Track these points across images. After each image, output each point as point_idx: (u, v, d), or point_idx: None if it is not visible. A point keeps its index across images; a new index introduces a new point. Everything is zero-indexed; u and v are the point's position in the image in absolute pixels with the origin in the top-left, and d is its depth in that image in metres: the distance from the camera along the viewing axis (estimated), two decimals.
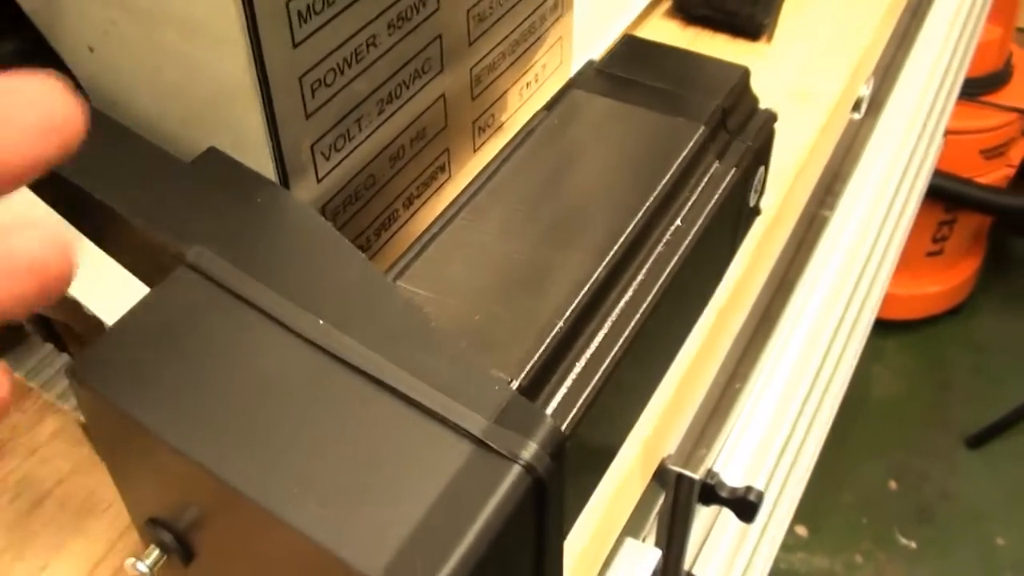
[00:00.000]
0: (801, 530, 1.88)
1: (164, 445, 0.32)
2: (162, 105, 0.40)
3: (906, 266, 2.02)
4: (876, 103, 1.01)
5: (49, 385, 0.45)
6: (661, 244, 0.42)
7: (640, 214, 0.41)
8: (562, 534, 0.37)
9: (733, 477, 0.69)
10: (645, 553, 0.62)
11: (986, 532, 1.90)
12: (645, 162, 0.44)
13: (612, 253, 0.40)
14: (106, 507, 0.51)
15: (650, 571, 0.61)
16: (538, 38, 0.51)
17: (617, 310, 0.39)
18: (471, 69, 0.47)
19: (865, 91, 0.88)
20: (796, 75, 0.74)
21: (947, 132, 1.73)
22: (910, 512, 1.93)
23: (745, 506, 0.68)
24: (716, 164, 0.46)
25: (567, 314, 0.37)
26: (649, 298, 0.40)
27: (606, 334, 0.39)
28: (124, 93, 0.41)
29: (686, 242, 0.42)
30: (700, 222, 0.43)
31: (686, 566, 0.76)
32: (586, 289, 0.38)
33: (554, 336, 0.37)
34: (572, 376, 0.37)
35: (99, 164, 0.39)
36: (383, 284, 0.36)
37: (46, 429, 0.55)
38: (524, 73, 0.52)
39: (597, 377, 0.37)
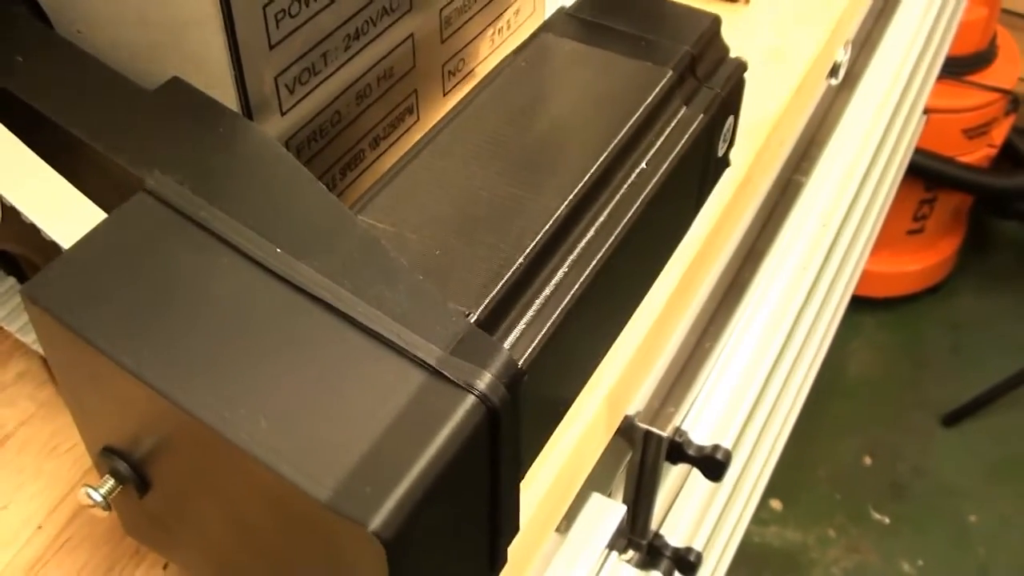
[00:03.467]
0: (775, 504, 1.89)
1: (117, 368, 0.32)
2: (126, 33, 0.40)
3: (886, 244, 2.03)
4: (854, 73, 1.01)
5: (10, 319, 0.44)
6: (625, 186, 0.42)
7: (605, 155, 0.41)
8: (518, 472, 0.37)
9: (701, 436, 0.69)
10: (610, 508, 0.62)
11: (959, 509, 1.91)
12: (612, 105, 0.44)
13: (575, 192, 0.40)
14: (68, 448, 0.51)
15: (615, 526, 0.61)
16: None
17: (578, 249, 0.39)
18: (441, 10, 0.47)
19: (843, 56, 0.88)
20: (772, 35, 0.74)
21: (930, 110, 1.73)
22: (884, 488, 1.93)
23: (712, 464, 0.69)
24: (684, 109, 0.46)
25: (527, 250, 0.37)
26: (611, 239, 0.40)
27: (566, 272, 0.38)
28: (89, 21, 0.40)
29: (651, 184, 0.42)
30: (665, 166, 0.43)
31: (653, 526, 0.77)
32: (547, 226, 0.38)
33: (514, 272, 0.37)
34: (531, 312, 0.37)
35: (60, 90, 0.38)
36: (343, 216, 0.36)
37: (11, 371, 0.54)
38: (496, 18, 0.51)
39: (556, 315, 0.37)
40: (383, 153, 0.47)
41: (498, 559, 0.38)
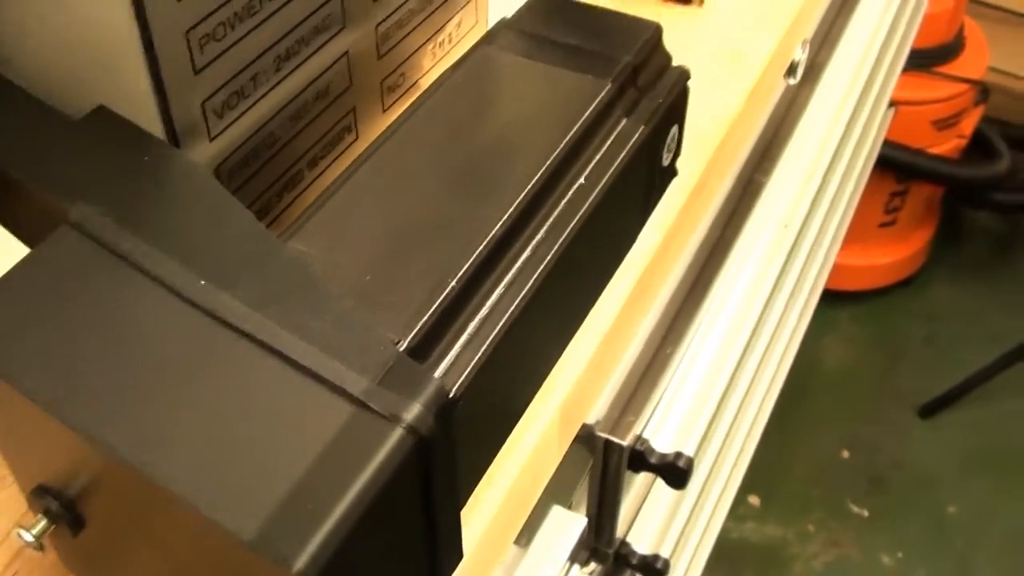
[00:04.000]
0: (753, 499, 1.89)
1: (38, 409, 0.31)
2: (51, 61, 0.39)
3: (858, 237, 2.03)
4: (814, 70, 1.01)
5: None
6: (564, 201, 0.41)
7: (541, 171, 0.41)
8: (457, 500, 0.37)
9: (663, 443, 0.69)
10: (570, 521, 0.61)
11: (938, 500, 1.91)
12: (550, 120, 0.43)
13: (510, 211, 0.39)
14: (11, 483, 0.50)
15: (575, 538, 0.61)
16: None
17: (515, 268, 0.39)
18: (377, 27, 0.46)
19: (800, 55, 0.87)
20: (727, 38, 0.74)
21: (898, 102, 1.73)
22: (862, 481, 1.93)
23: (675, 472, 0.68)
24: (624, 121, 0.45)
25: (460, 272, 0.37)
26: (549, 256, 0.39)
27: (502, 293, 0.38)
28: (13, 48, 0.40)
29: (590, 199, 0.42)
30: (605, 180, 0.42)
31: (619, 534, 0.76)
32: (481, 248, 0.38)
33: (446, 296, 0.36)
34: (464, 336, 0.36)
35: None
36: (270, 243, 0.35)
37: None
38: (436, 32, 0.51)
39: (491, 338, 0.37)
40: (322, 173, 0.46)
41: None
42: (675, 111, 0.49)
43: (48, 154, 0.37)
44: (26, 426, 0.34)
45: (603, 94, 0.44)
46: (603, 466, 0.68)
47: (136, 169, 0.37)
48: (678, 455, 0.68)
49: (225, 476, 0.30)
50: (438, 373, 0.35)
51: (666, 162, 0.50)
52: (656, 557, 0.76)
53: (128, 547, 0.36)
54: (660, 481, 0.80)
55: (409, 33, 0.48)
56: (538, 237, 0.40)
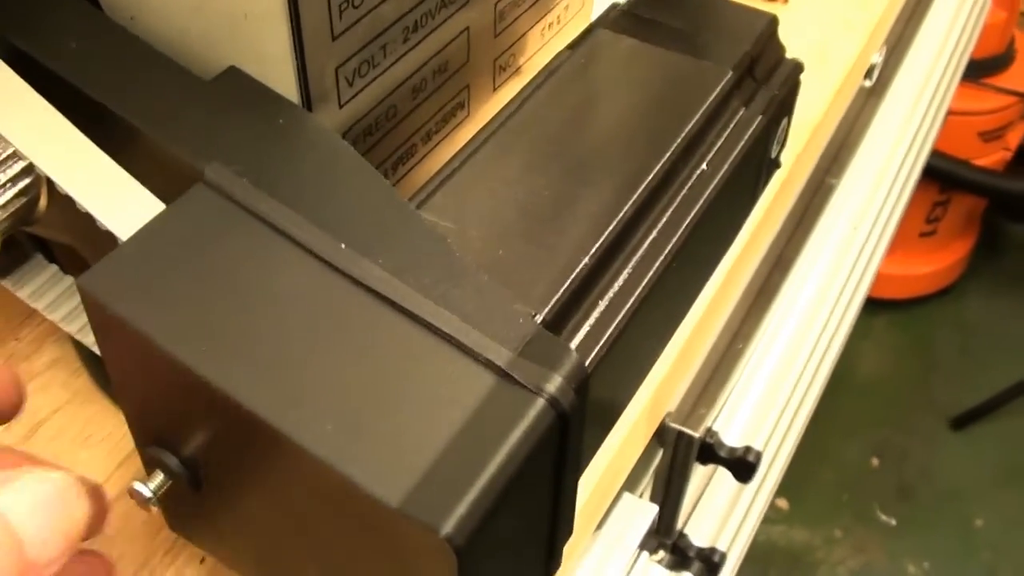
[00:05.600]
0: (782, 503, 1.88)
1: (174, 363, 0.31)
2: (183, 22, 0.39)
3: (899, 245, 2.02)
4: (885, 75, 1.00)
5: (53, 307, 0.44)
6: (687, 187, 0.41)
7: (667, 155, 0.41)
8: (578, 475, 0.37)
9: (732, 437, 0.69)
10: (642, 508, 0.61)
11: (965, 513, 1.90)
12: (672, 104, 0.43)
13: (638, 192, 0.39)
14: (102, 438, 0.51)
15: (647, 526, 0.61)
16: None
17: (642, 250, 0.39)
18: (496, 4, 0.46)
19: (877, 59, 0.87)
20: (813, 35, 0.73)
21: (947, 112, 1.72)
22: (891, 489, 1.93)
23: (743, 466, 0.68)
24: (742, 111, 0.45)
25: (593, 251, 0.37)
26: (674, 240, 0.39)
27: (630, 273, 0.38)
28: (143, 7, 0.40)
29: (711, 186, 0.42)
30: (726, 168, 0.43)
31: (679, 525, 0.76)
32: (612, 227, 0.38)
33: (579, 272, 0.36)
34: (596, 314, 0.36)
35: (116, 78, 0.38)
36: (407, 212, 0.35)
37: (43, 358, 0.54)
38: (546, 13, 0.51)
39: (620, 316, 0.37)
40: (434, 147, 0.46)
41: (554, 561, 0.37)
42: (788, 103, 0.49)
43: (182, 113, 0.37)
44: (156, 381, 0.34)
45: (724, 82, 0.44)
46: (672, 456, 0.68)
47: (271, 131, 0.37)
48: (747, 449, 0.68)
49: (369, 440, 0.30)
50: (572, 347, 0.35)
51: (774, 154, 0.50)
52: (713, 550, 0.76)
53: (247, 508, 0.36)
54: (718, 475, 0.80)
55: (523, 13, 0.48)
56: (663, 220, 0.40)
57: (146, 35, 0.40)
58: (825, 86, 0.69)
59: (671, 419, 0.66)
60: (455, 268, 0.34)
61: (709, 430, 0.68)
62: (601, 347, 0.35)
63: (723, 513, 0.81)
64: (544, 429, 0.31)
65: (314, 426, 0.30)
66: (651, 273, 0.38)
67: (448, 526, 0.28)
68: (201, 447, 0.35)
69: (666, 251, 0.39)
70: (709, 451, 0.68)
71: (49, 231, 0.44)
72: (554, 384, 0.31)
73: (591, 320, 0.36)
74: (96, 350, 0.42)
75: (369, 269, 0.33)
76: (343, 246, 0.34)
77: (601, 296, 0.37)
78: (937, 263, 2.18)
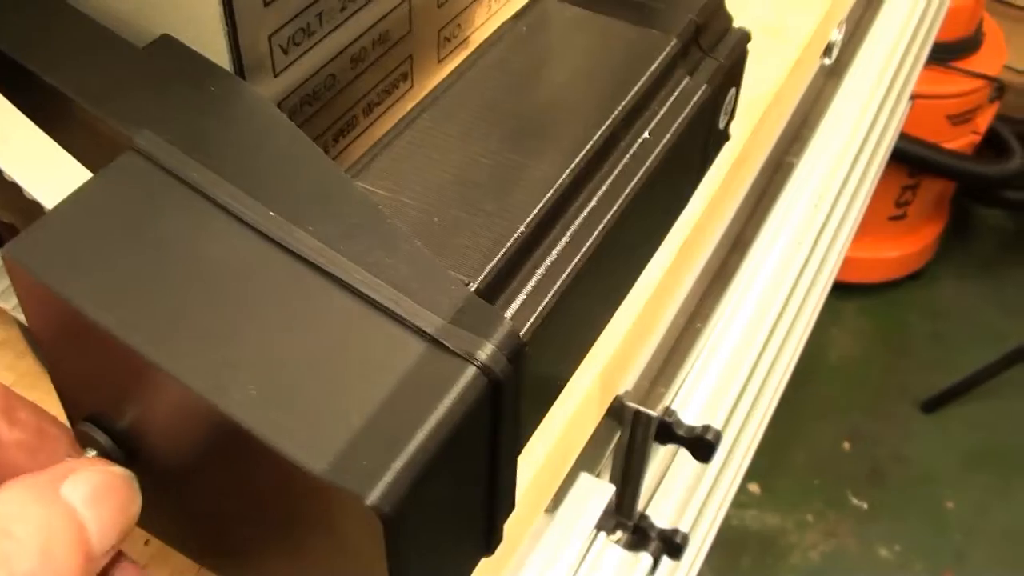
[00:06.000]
0: (754, 488, 1.89)
1: (101, 332, 0.30)
2: None
3: (868, 230, 2.02)
4: (846, 54, 1.00)
5: None
6: (628, 155, 0.41)
7: (608, 123, 0.40)
8: (517, 446, 0.36)
9: (691, 416, 0.69)
10: (599, 488, 0.61)
11: (937, 496, 1.91)
12: (615, 72, 0.43)
13: (577, 160, 0.38)
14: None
15: (603, 505, 0.60)
16: None
17: (580, 219, 0.38)
18: None
19: (837, 36, 0.87)
20: (769, 10, 0.73)
21: (915, 96, 1.72)
22: (862, 473, 1.94)
23: (702, 445, 0.68)
24: (687, 79, 0.44)
25: (529, 219, 0.36)
26: (613, 209, 0.39)
27: (568, 242, 0.37)
28: None
29: (653, 155, 0.41)
30: (668, 136, 0.42)
31: (639, 507, 0.76)
32: (549, 195, 0.37)
33: (514, 241, 0.35)
34: (531, 283, 0.36)
35: (46, 44, 0.37)
36: (339, 179, 0.35)
37: None
38: None
39: (557, 285, 0.36)
40: (376, 120, 0.46)
41: (494, 536, 0.37)
42: (735, 73, 0.48)
43: (113, 81, 0.36)
44: (84, 353, 0.33)
45: (668, 49, 0.44)
46: (630, 436, 0.67)
47: (204, 99, 0.36)
48: (706, 428, 0.67)
49: (296, 408, 0.29)
50: (507, 316, 0.34)
51: (722, 124, 0.49)
52: (675, 531, 0.75)
53: (180, 484, 0.35)
54: (680, 455, 0.80)
55: None
56: (603, 189, 0.39)
57: (78, 1, 0.39)
58: (781, 61, 0.69)
59: (628, 398, 0.65)
60: (388, 236, 0.33)
61: (667, 409, 0.67)
62: (536, 316, 0.35)
63: (685, 495, 0.81)
64: (476, 397, 0.30)
65: (240, 393, 0.29)
66: (589, 242, 0.38)
67: (375, 495, 0.28)
68: (131, 422, 0.34)
69: (605, 220, 0.38)
70: (667, 430, 0.67)
71: None
72: (486, 352, 0.31)
73: (527, 289, 0.36)
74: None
75: (299, 237, 0.32)
76: (272, 214, 0.33)
77: (537, 265, 0.36)
78: (907, 247, 2.19)
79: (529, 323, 0.35)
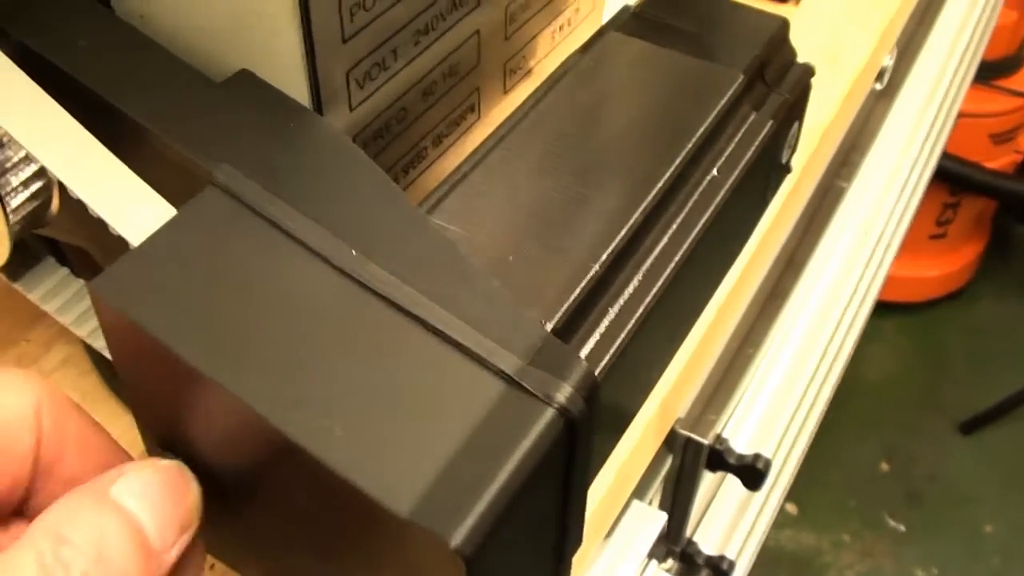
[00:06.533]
0: (790, 507, 1.88)
1: (183, 365, 0.31)
2: (192, 22, 0.39)
3: (908, 248, 2.01)
4: (896, 77, 1.00)
5: (64, 309, 0.44)
6: (697, 192, 0.41)
7: (678, 160, 0.40)
8: (587, 483, 0.36)
9: (741, 444, 0.69)
10: (652, 515, 0.61)
11: (975, 518, 1.90)
12: (683, 108, 0.43)
13: (649, 198, 0.39)
14: (117, 436, 0.50)
15: (656, 533, 0.60)
16: None
17: (652, 257, 0.38)
18: (507, 7, 0.46)
19: (888, 61, 0.87)
20: (824, 38, 0.73)
21: (958, 115, 1.72)
22: (899, 494, 1.93)
23: (752, 474, 0.68)
24: (753, 115, 0.44)
25: (603, 258, 0.36)
26: (684, 246, 0.39)
27: (641, 280, 0.37)
28: (153, 7, 0.39)
29: (722, 193, 0.41)
30: (736, 173, 0.42)
31: (687, 533, 0.76)
32: (622, 234, 0.37)
33: (589, 279, 0.36)
34: (605, 321, 0.36)
35: (130, 80, 0.37)
36: (416, 217, 0.35)
37: (53, 359, 0.54)
38: (557, 16, 0.50)
39: (630, 325, 0.36)
40: (445, 151, 0.46)
41: (563, 569, 0.37)
42: (799, 107, 0.48)
43: (193, 115, 0.37)
44: (165, 383, 0.33)
45: (735, 86, 0.44)
46: (681, 463, 0.67)
47: (282, 134, 0.36)
48: (756, 457, 0.67)
49: (378, 447, 0.29)
50: (581, 355, 0.34)
51: (785, 159, 0.49)
52: (722, 558, 0.75)
53: (253, 514, 0.36)
54: (727, 481, 0.80)
55: (534, 16, 0.48)
56: (673, 226, 0.39)
57: (156, 35, 0.40)
58: (836, 89, 0.69)
59: (680, 425, 0.65)
60: (464, 274, 0.34)
61: (719, 437, 0.67)
62: (611, 355, 0.35)
63: (732, 520, 0.80)
64: (553, 438, 0.31)
65: (323, 432, 0.30)
66: (662, 280, 0.38)
67: (458, 537, 0.28)
68: (208, 452, 0.34)
69: (677, 257, 0.39)
70: (718, 458, 0.67)
71: (60, 233, 0.43)
72: (564, 393, 0.31)
73: (601, 328, 0.36)
74: (106, 353, 0.42)
75: (379, 274, 0.33)
76: (353, 251, 0.33)
77: (611, 303, 0.37)
78: (947, 266, 2.18)
79: (603, 363, 0.35)
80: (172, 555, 0.31)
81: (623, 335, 0.36)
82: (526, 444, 0.30)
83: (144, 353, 0.33)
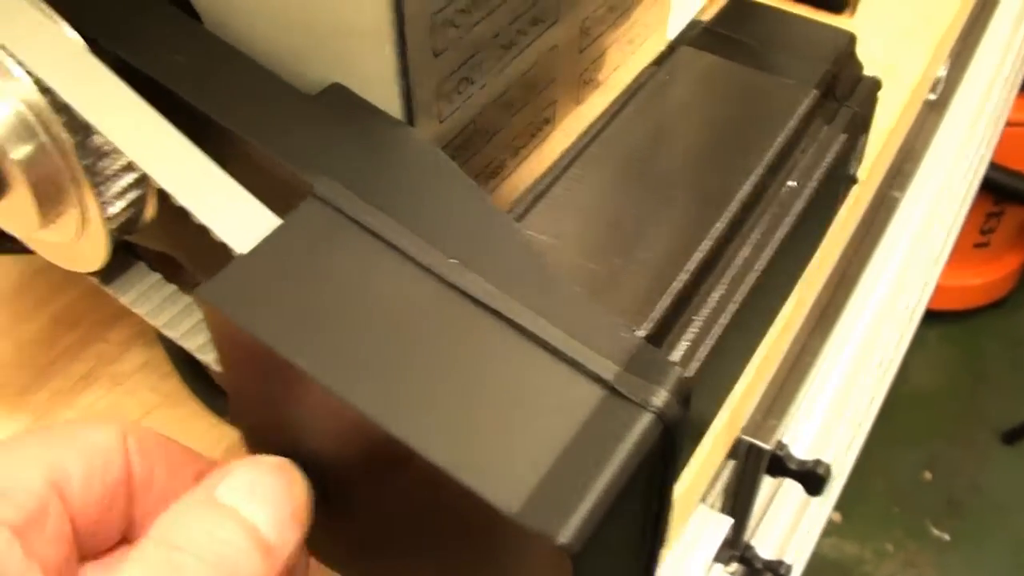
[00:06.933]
0: (834, 515, 1.88)
1: (294, 370, 0.32)
2: (287, 37, 0.40)
3: (952, 257, 2.01)
4: (948, 87, 1.00)
5: (155, 313, 0.45)
6: (775, 204, 0.42)
7: (757, 172, 0.41)
8: (674, 487, 0.37)
9: (801, 450, 0.69)
10: (717, 520, 0.62)
11: (1018, 527, 1.89)
12: (758, 121, 0.44)
13: (731, 208, 0.40)
14: (195, 441, 0.51)
15: (721, 537, 0.61)
16: None
17: (734, 266, 0.39)
18: (583, 21, 0.47)
19: (942, 72, 0.87)
20: (879, 50, 0.74)
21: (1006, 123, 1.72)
22: (942, 504, 1.92)
23: (813, 479, 0.69)
24: (825, 128, 0.45)
25: (689, 266, 0.37)
26: (764, 257, 0.40)
27: (725, 290, 0.38)
28: (244, 22, 0.41)
29: (798, 203, 0.42)
30: (812, 185, 0.43)
31: (745, 537, 0.77)
32: (707, 242, 0.38)
33: (676, 288, 0.37)
34: (692, 329, 0.37)
35: (225, 92, 0.39)
36: (507, 226, 0.36)
37: (132, 360, 0.55)
38: (627, 29, 0.51)
39: (715, 333, 0.37)
40: (521, 162, 0.47)
41: (652, 571, 0.38)
42: (866, 120, 0.49)
43: (290, 128, 0.38)
44: (272, 389, 0.34)
45: (808, 100, 0.45)
46: (743, 468, 0.68)
47: (376, 146, 0.38)
48: (817, 462, 0.68)
49: (486, 450, 0.30)
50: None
51: (852, 171, 0.50)
52: (780, 563, 0.76)
53: (360, 520, 0.37)
54: (784, 487, 0.81)
55: (606, 29, 0.49)
56: (753, 236, 0.40)
57: (246, 49, 0.41)
58: (894, 101, 0.70)
59: (743, 431, 0.66)
60: (555, 283, 0.35)
61: (779, 443, 0.68)
62: (699, 362, 0.36)
63: (789, 526, 0.81)
64: (652, 442, 0.32)
65: (433, 435, 0.31)
66: (744, 289, 0.39)
67: (565, 535, 0.29)
68: (315, 455, 0.35)
69: (758, 266, 0.40)
70: (779, 464, 0.68)
71: (147, 239, 0.45)
72: (660, 398, 0.32)
73: (688, 335, 0.37)
74: (198, 354, 0.43)
75: (478, 282, 0.34)
76: (450, 260, 0.34)
77: (696, 312, 0.38)
78: (990, 275, 2.17)
79: (693, 369, 0.36)
80: (289, 550, 0.32)
81: (709, 343, 0.37)
82: (627, 446, 0.31)
83: (252, 358, 0.34)
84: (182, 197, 0.36)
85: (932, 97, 0.86)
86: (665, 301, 0.36)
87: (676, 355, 0.36)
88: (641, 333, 0.35)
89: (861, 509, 1.89)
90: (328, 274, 0.34)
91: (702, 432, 0.43)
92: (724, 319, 0.38)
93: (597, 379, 0.32)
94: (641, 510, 0.34)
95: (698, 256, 0.38)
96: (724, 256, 0.39)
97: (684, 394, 0.33)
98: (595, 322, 0.34)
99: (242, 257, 0.34)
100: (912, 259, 0.86)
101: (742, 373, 0.46)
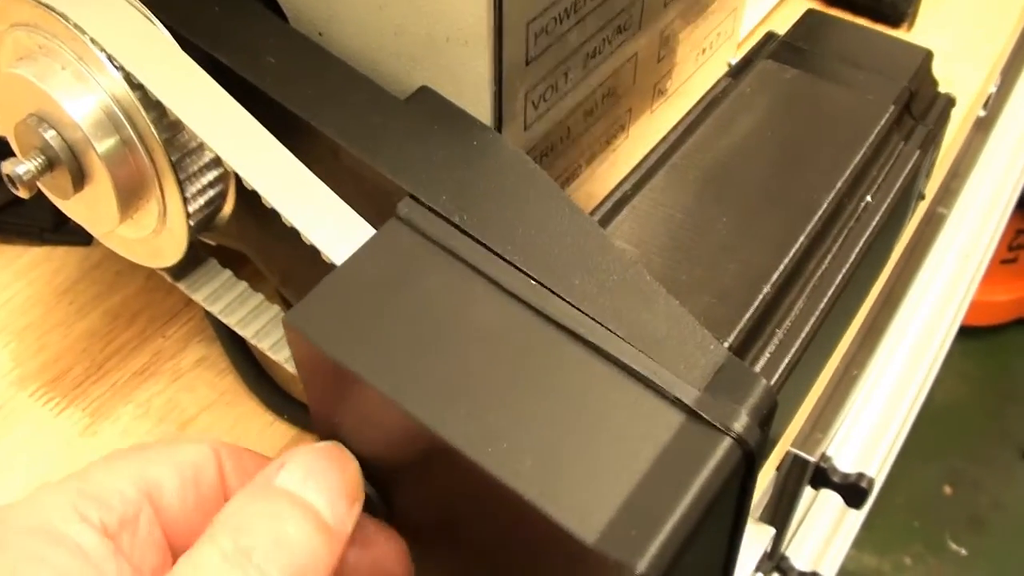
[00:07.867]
0: None
1: (375, 395, 0.32)
2: (375, 42, 0.40)
3: None
4: (995, 104, 1.00)
5: (228, 311, 0.45)
6: (854, 219, 0.42)
7: (838, 186, 0.41)
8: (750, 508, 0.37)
9: (845, 462, 0.69)
10: (759, 531, 0.62)
11: None
12: (837, 137, 0.44)
13: (813, 222, 0.40)
14: (251, 438, 0.52)
15: (764, 548, 0.62)
16: (719, 5, 0.51)
17: (815, 280, 0.39)
18: (662, 31, 0.47)
19: (993, 88, 0.87)
20: (936, 65, 0.74)
21: None
22: (962, 519, 1.92)
23: (855, 492, 0.69)
24: (902, 145, 0.46)
25: (773, 278, 0.38)
26: (844, 270, 0.40)
27: (805, 303, 0.39)
28: (335, 25, 0.41)
29: (876, 219, 0.42)
30: (888, 201, 0.43)
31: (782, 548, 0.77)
32: (790, 255, 0.38)
33: (761, 300, 0.37)
34: (774, 342, 0.37)
35: (317, 95, 0.39)
36: (598, 236, 0.36)
37: (190, 356, 0.55)
38: (702, 39, 0.52)
39: (797, 345, 0.37)
40: (596, 169, 0.48)
41: None
42: (940, 137, 0.49)
43: (381, 132, 0.38)
44: (354, 413, 0.35)
45: (887, 116, 0.45)
46: (785, 479, 0.68)
47: (466, 152, 0.38)
48: (860, 475, 0.68)
49: (564, 477, 0.30)
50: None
51: (923, 188, 0.50)
52: (815, 574, 0.76)
53: (435, 542, 0.37)
54: (821, 498, 0.81)
55: (684, 39, 0.49)
56: (834, 249, 0.41)
57: (334, 50, 0.41)
58: (953, 117, 0.69)
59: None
60: (646, 292, 0.35)
61: (824, 455, 0.68)
62: (780, 375, 0.36)
63: (825, 538, 0.81)
64: (731, 468, 0.32)
65: (511, 461, 0.31)
66: (824, 303, 0.39)
67: (642, 565, 0.29)
68: (395, 477, 0.36)
69: (837, 281, 0.40)
70: (823, 475, 0.68)
71: (222, 238, 0.45)
72: (741, 423, 0.32)
73: (770, 348, 0.37)
74: (271, 354, 0.44)
75: (560, 306, 0.34)
76: (533, 282, 0.34)
77: (779, 325, 0.38)
78: (1017, 291, 2.16)
79: (774, 383, 0.36)
80: (347, 527, 0.33)
81: (791, 356, 0.37)
82: (705, 474, 0.31)
83: (334, 382, 0.34)
84: (274, 200, 0.36)
85: (982, 113, 0.86)
86: (750, 314, 0.36)
87: (758, 367, 0.36)
88: (726, 344, 0.35)
89: (881, 522, 1.89)
90: (410, 298, 0.34)
91: (773, 447, 0.43)
92: (804, 333, 0.38)
93: (678, 403, 0.32)
94: (719, 536, 0.34)
95: (782, 269, 0.38)
96: (805, 270, 0.40)
97: (766, 413, 0.33)
98: (684, 333, 0.34)
99: (327, 281, 0.34)
100: (957, 276, 0.86)
101: (812, 387, 0.46)
